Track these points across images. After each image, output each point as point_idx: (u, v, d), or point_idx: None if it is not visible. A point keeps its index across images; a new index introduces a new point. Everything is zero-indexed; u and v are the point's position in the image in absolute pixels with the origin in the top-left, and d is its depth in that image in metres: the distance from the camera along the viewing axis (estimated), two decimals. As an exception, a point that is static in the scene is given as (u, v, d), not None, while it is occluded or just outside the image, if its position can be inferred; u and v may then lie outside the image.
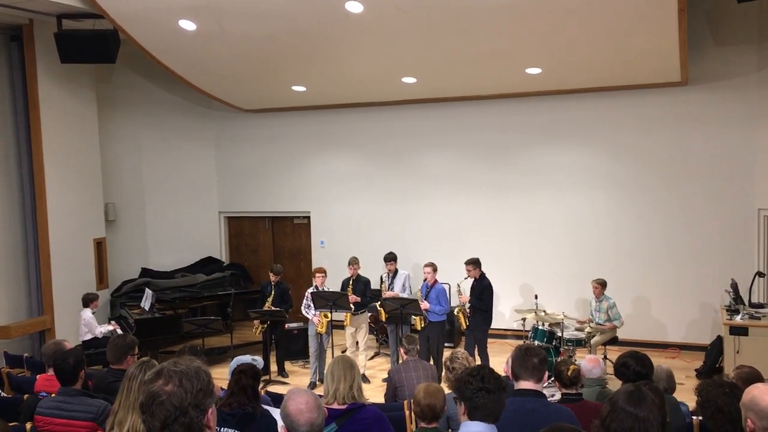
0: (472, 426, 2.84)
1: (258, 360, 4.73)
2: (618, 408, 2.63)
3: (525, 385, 3.47)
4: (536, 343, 8.27)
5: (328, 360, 8.07)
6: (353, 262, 8.82)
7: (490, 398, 2.83)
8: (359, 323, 8.70)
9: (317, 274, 8.67)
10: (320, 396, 3.15)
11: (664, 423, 2.80)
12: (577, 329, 8.75)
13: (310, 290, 8.63)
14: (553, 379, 4.80)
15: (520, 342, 8.96)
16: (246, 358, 4.69)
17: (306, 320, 8.91)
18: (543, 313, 8.63)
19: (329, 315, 8.38)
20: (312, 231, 11.96)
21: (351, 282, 8.73)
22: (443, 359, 8.22)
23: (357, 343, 8.74)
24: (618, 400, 2.66)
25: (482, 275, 8.33)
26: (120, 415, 3.21)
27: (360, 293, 8.62)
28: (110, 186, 11.05)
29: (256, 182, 12.16)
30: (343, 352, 8.72)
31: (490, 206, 10.65)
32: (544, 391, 3.56)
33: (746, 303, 8.28)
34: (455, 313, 8.59)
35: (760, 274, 8.52)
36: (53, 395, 4.26)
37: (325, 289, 8.65)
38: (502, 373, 5.28)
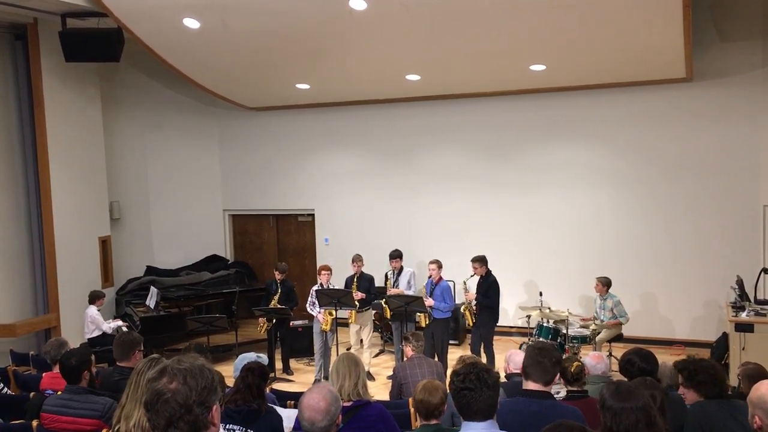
0: (471, 426, 2.82)
1: (262, 357, 4.74)
2: (617, 409, 2.69)
3: (533, 386, 3.42)
4: (541, 340, 8.26)
5: (333, 357, 8.09)
6: (357, 259, 8.82)
7: (472, 397, 2.78)
8: (364, 320, 8.70)
9: (322, 272, 8.68)
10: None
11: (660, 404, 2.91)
12: (581, 326, 8.74)
13: (315, 288, 8.64)
14: (558, 376, 4.79)
15: (525, 339, 8.99)
16: (250, 356, 4.70)
17: (311, 318, 8.92)
18: (548, 310, 8.62)
19: (334, 312, 8.38)
20: (316, 228, 11.96)
21: (355, 279, 8.73)
22: (448, 356, 8.27)
23: (361, 340, 8.74)
24: (612, 404, 2.73)
25: (488, 272, 8.33)
26: (127, 409, 3.23)
27: (364, 290, 8.61)
28: (115, 184, 11.07)
29: (261, 180, 12.17)
30: (348, 349, 8.73)
31: (495, 203, 10.63)
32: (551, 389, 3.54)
33: (752, 300, 8.25)
34: (462, 310, 8.59)
35: (765, 270, 8.49)
36: (59, 393, 4.28)
37: (330, 287, 8.65)
38: (503, 372, 5.30)
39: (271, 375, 8.56)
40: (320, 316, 8.47)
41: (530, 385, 3.43)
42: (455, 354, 8.04)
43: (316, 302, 8.47)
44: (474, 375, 2.82)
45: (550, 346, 3.63)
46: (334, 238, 11.73)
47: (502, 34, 7.96)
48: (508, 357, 5.18)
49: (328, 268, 8.74)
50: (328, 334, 8.58)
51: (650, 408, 2.70)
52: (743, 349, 7.58)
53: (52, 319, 9.18)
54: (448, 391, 3.89)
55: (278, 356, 9.13)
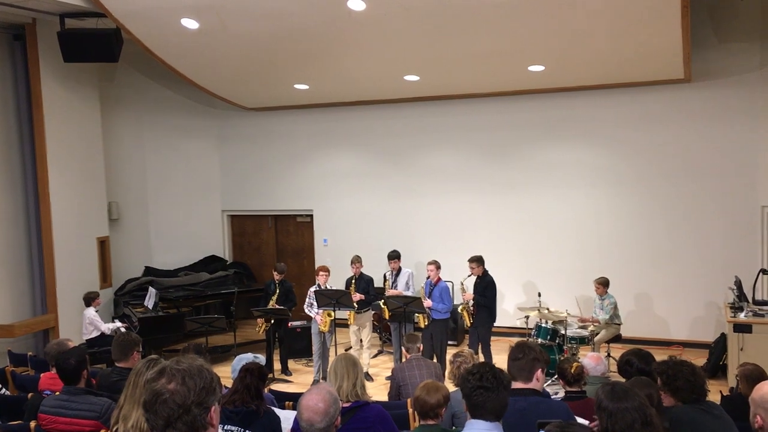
0: (475, 424, 2.83)
1: (260, 358, 4.73)
2: (613, 409, 2.70)
3: (516, 384, 3.47)
4: (539, 340, 8.27)
5: (332, 358, 8.09)
6: (356, 260, 8.82)
7: (488, 396, 2.80)
8: (363, 321, 8.70)
9: (320, 273, 8.67)
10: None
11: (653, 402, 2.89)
12: (580, 327, 8.74)
13: (313, 289, 8.63)
14: (556, 377, 4.79)
15: (524, 340, 8.97)
16: (248, 357, 4.69)
17: (309, 318, 8.92)
18: (546, 311, 8.62)
19: (332, 313, 8.38)
20: (315, 229, 11.96)
21: (353, 280, 8.73)
22: (447, 357, 8.26)
23: (361, 340, 8.74)
24: (608, 405, 2.73)
25: (485, 272, 8.33)
26: (125, 409, 3.23)
27: (363, 291, 8.62)
28: (113, 185, 11.06)
29: (259, 181, 12.16)
30: (347, 350, 8.73)
31: (493, 204, 10.64)
32: (548, 390, 3.55)
33: (750, 300, 8.25)
34: (459, 310, 8.59)
35: (764, 271, 8.49)
36: (57, 393, 4.27)
37: (328, 288, 8.65)
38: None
39: (270, 376, 8.56)
40: (318, 317, 8.47)
41: (515, 384, 3.48)
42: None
43: (314, 303, 8.47)
44: (491, 374, 2.84)
45: (528, 343, 3.64)
46: (332, 238, 11.72)
47: (500, 34, 7.97)
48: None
49: (326, 269, 8.74)
50: (326, 335, 8.57)
51: (646, 407, 2.71)
52: (741, 349, 7.59)
53: (51, 320, 9.17)
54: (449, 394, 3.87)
55: (277, 357, 9.13)
